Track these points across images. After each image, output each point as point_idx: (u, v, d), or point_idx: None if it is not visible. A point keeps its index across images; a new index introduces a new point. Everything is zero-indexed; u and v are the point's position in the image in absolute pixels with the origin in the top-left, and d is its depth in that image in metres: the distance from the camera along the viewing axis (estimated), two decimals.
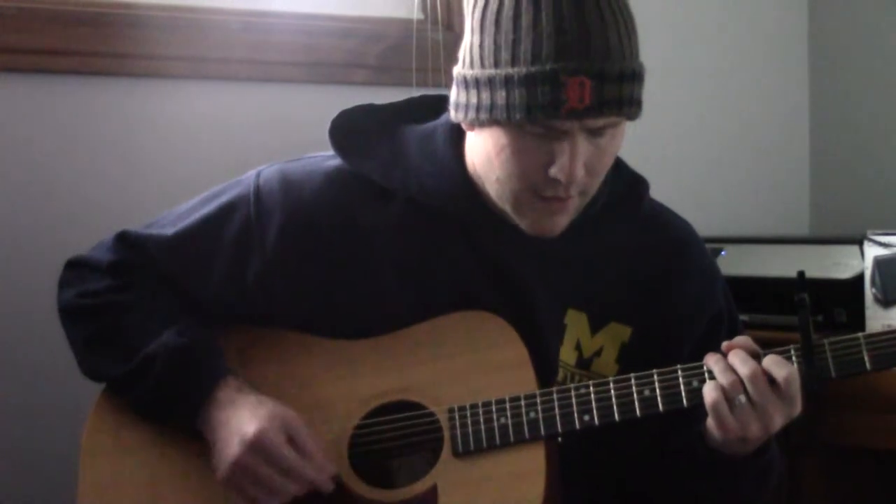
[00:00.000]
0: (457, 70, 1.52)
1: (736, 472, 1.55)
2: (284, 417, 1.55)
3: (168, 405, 1.59)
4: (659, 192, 1.70)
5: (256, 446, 1.52)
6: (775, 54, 2.86)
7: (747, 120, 2.82)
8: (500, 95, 1.44)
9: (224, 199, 1.65)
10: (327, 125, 1.63)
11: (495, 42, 1.45)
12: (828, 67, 2.85)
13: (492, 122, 1.47)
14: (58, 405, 2.02)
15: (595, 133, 1.47)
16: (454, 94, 1.53)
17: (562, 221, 1.53)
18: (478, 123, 1.49)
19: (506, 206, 1.53)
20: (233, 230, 1.62)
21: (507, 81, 1.44)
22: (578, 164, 1.46)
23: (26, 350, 2.07)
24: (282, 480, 1.52)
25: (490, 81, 1.45)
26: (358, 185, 1.61)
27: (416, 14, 2.42)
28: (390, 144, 1.61)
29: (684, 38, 2.72)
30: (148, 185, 2.16)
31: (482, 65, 1.46)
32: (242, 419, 1.54)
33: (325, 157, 1.65)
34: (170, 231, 1.65)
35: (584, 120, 1.44)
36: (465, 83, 1.50)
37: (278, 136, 2.23)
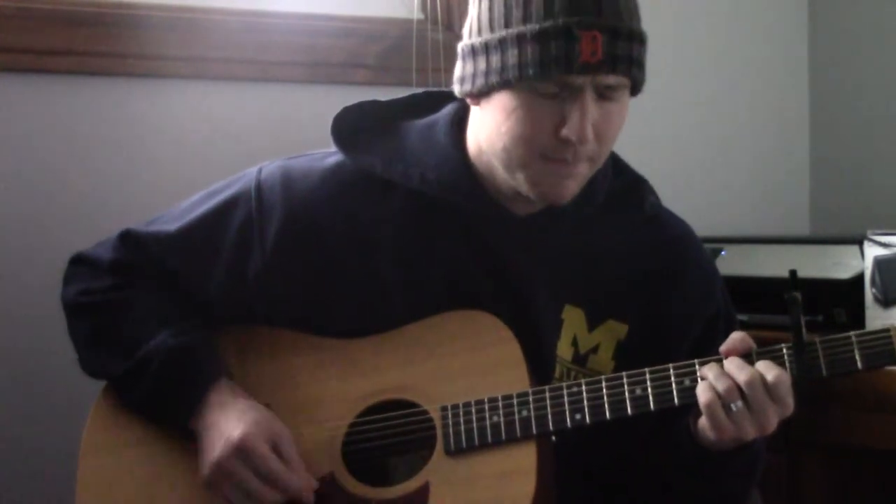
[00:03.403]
0: (462, 43, 1.53)
1: (724, 466, 1.54)
2: (271, 426, 1.55)
3: (163, 406, 1.60)
4: (659, 192, 1.70)
5: (239, 449, 1.52)
6: (775, 54, 2.86)
7: (747, 120, 2.82)
8: (512, 54, 1.44)
9: (226, 195, 1.65)
10: (327, 125, 1.64)
11: (505, 3, 1.46)
12: (828, 67, 2.85)
13: (503, 83, 1.47)
14: (58, 404, 2.03)
15: (604, 96, 1.47)
16: (459, 69, 1.53)
17: (571, 186, 1.52)
18: (487, 89, 1.49)
19: (515, 176, 1.51)
20: (234, 227, 1.62)
21: (520, 39, 1.44)
22: (588, 125, 1.46)
23: (27, 349, 2.07)
24: (260, 486, 1.52)
25: (501, 43, 1.46)
26: (359, 179, 1.61)
27: (416, 14, 2.42)
28: (392, 139, 1.62)
29: (684, 37, 2.72)
30: (148, 185, 2.16)
31: (491, 28, 1.47)
32: (229, 423, 1.54)
33: (327, 153, 1.65)
34: (172, 228, 1.66)
35: (597, 76, 1.44)
36: (473, 52, 1.50)
37: (278, 136, 2.23)
